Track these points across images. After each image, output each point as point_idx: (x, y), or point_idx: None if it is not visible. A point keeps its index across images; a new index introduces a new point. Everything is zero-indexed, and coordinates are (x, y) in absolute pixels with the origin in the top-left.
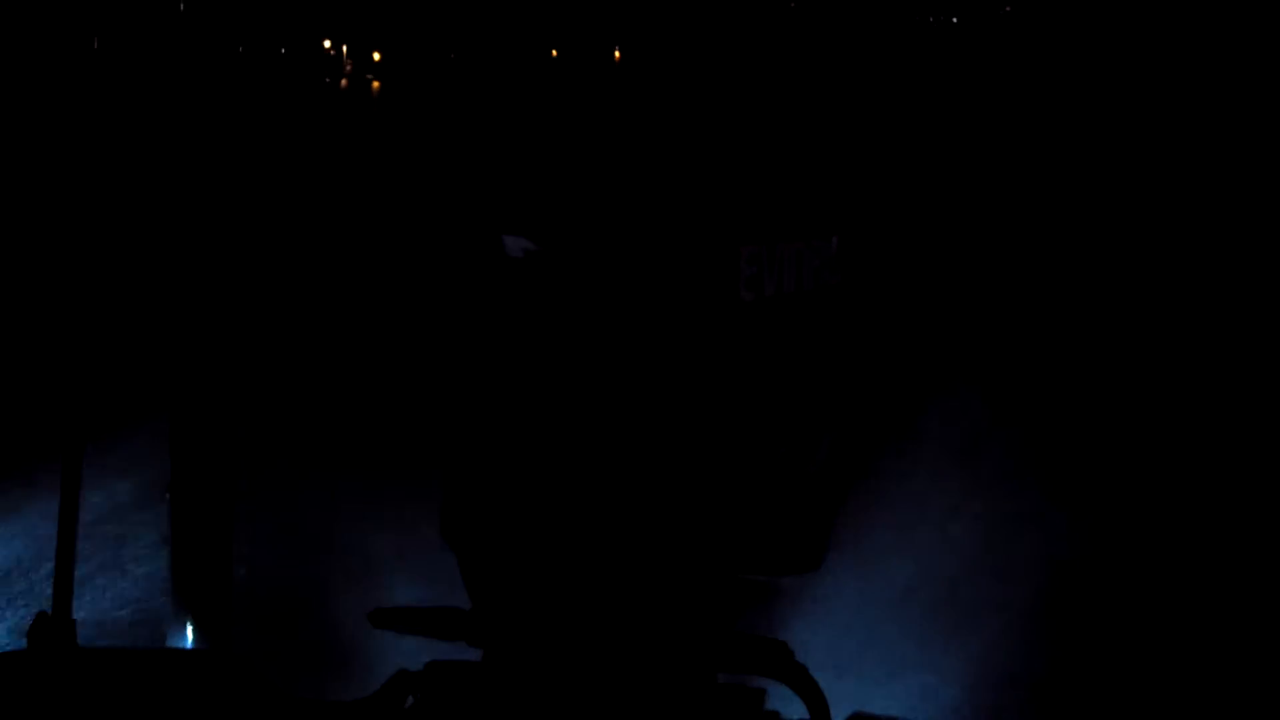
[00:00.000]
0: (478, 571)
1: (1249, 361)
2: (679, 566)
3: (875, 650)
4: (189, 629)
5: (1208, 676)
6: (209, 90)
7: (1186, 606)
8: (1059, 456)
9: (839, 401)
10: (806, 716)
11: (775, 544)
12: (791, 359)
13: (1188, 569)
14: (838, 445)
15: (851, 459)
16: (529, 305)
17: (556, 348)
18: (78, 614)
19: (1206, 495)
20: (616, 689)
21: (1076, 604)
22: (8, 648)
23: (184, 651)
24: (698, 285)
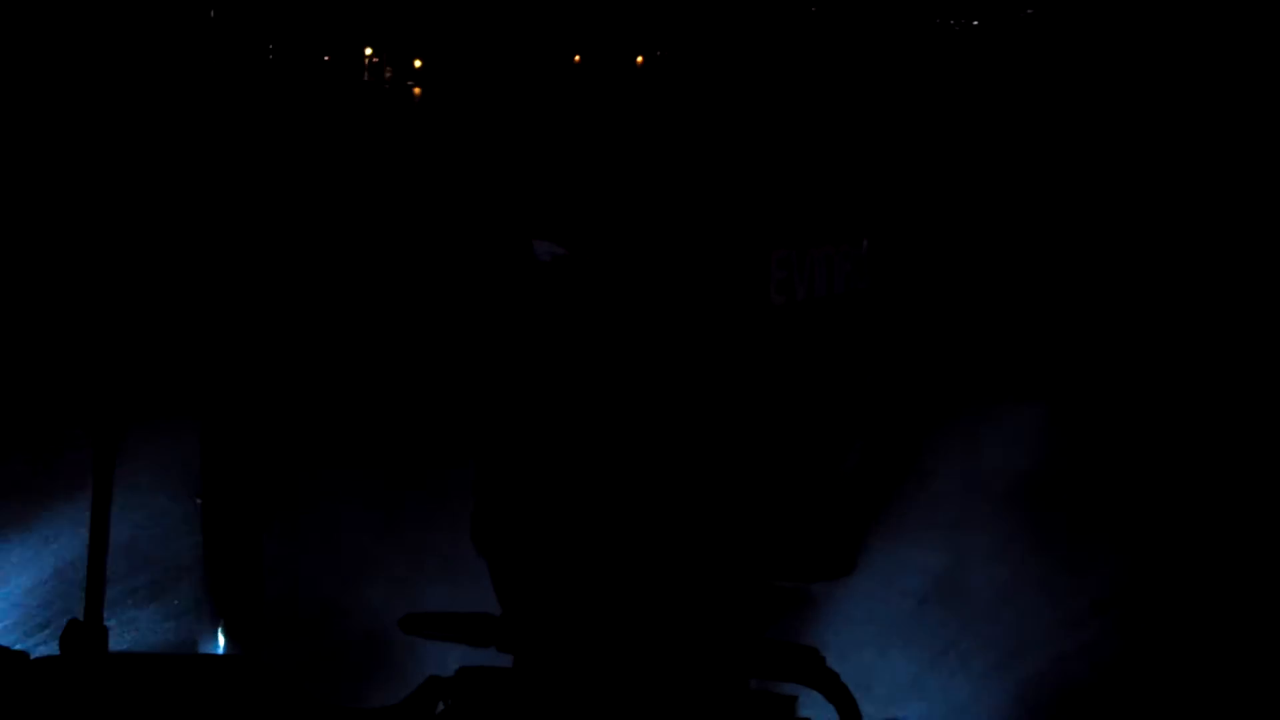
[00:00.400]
0: (508, 577)
1: None
2: (710, 572)
3: (908, 659)
4: (220, 635)
5: (1241, 688)
6: (248, 96)
7: (1222, 611)
8: (1097, 466)
9: (870, 406)
10: None
11: (807, 550)
12: (822, 363)
13: (1223, 575)
14: (869, 450)
15: (883, 464)
16: (560, 311)
17: (587, 353)
18: None
19: (1247, 503)
20: (648, 695)
21: (1116, 613)
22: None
23: (215, 657)
24: (728, 290)
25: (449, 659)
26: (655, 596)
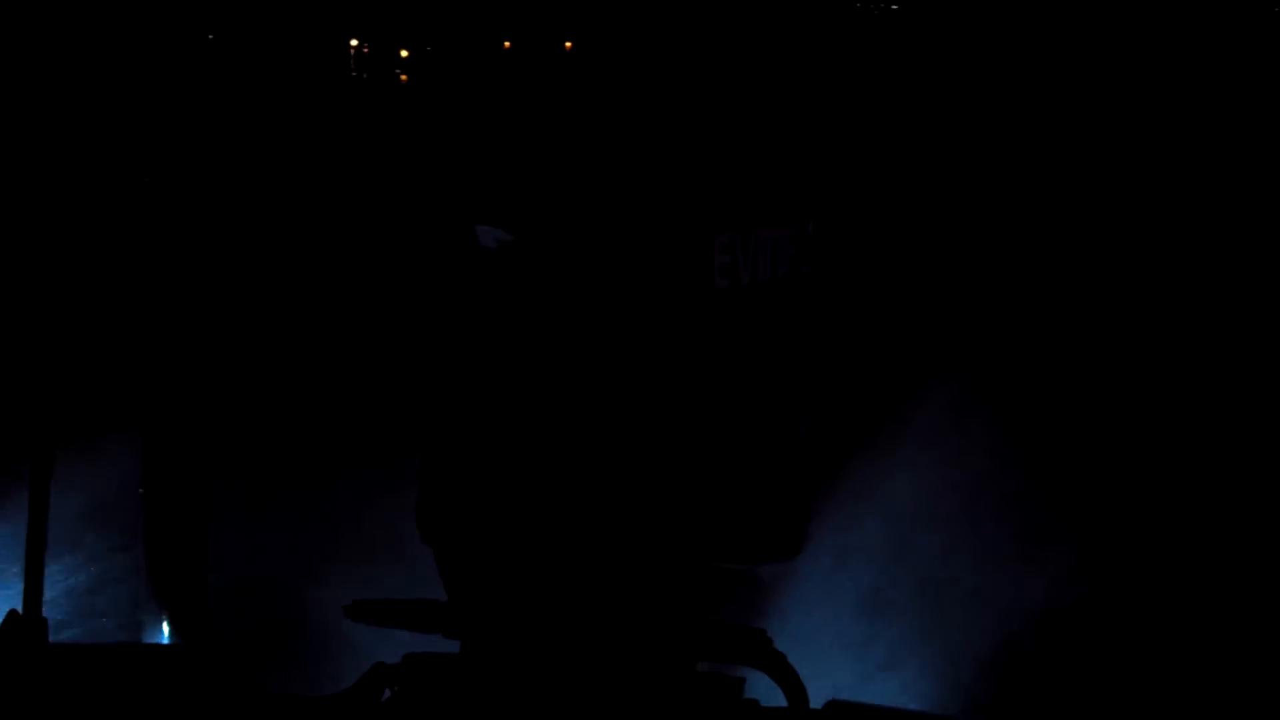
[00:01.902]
0: (454, 564)
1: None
2: (657, 556)
3: (855, 640)
4: (164, 624)
5: (1183, 672)
6: (188, 93)
7: (1166, 599)
8: (1042, 446)
9: (814, 390)
10: (785, 705)
11: (754, 532)
12: (766, 347)
13: (1166, 559)
14: (813, 433)
15: (826, 446)
16: (503, 297)
17: (531, 338)
18: None
19: (1189, 488)
20: (595, 679)
21: (1058, 598)
22: None
23: (159, 646)
24: (672, 274)
25: (395, 645)
26: (601, 580)
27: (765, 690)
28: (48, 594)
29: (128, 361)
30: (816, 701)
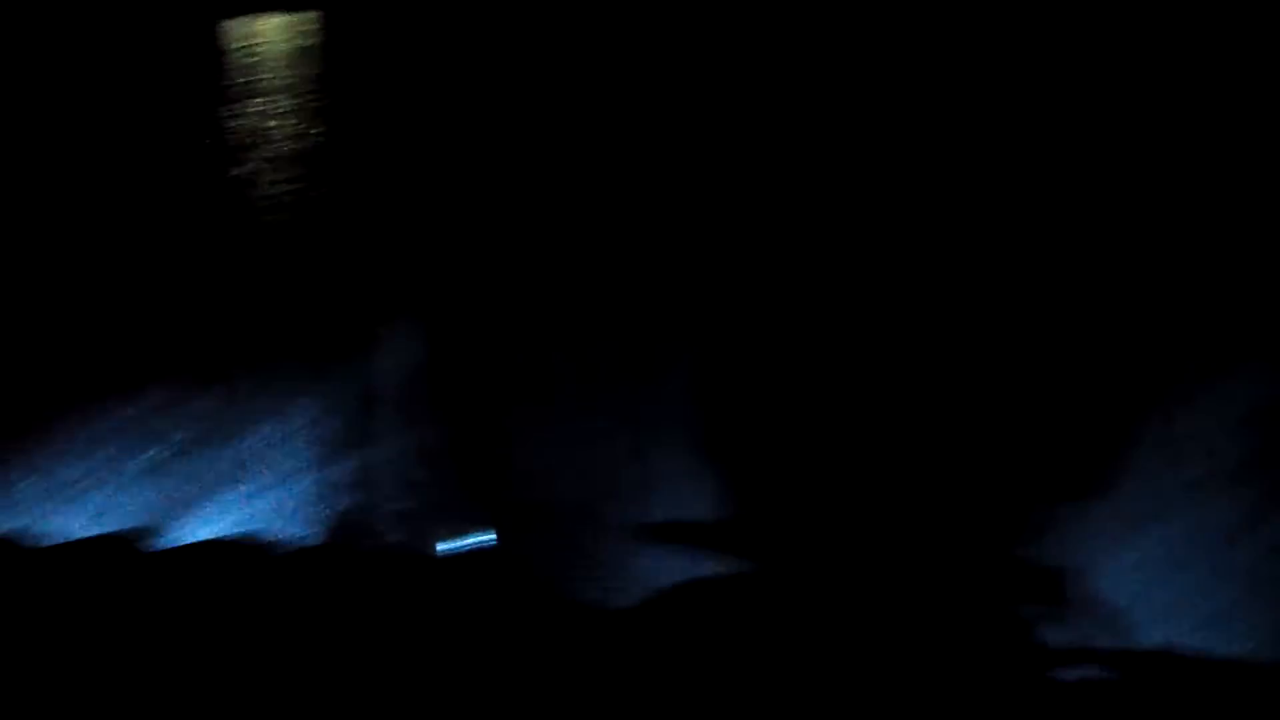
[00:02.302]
0: (745, 490)
1: None
2: (960, 490)
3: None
4: (472, 532)
5: None
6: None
7: None
8: None
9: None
10: (1080, 645)
11: (1054, 476)
12: None
13: None
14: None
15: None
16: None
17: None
18: None
19: None
20: (882, 610)
21: None
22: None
23: (467, 552)
24: None
25: (682, 565)
26: (900, 516)
27: (1059, 629)
28: (340, 500)
29: (409, 250)
30: (1111, 645)
